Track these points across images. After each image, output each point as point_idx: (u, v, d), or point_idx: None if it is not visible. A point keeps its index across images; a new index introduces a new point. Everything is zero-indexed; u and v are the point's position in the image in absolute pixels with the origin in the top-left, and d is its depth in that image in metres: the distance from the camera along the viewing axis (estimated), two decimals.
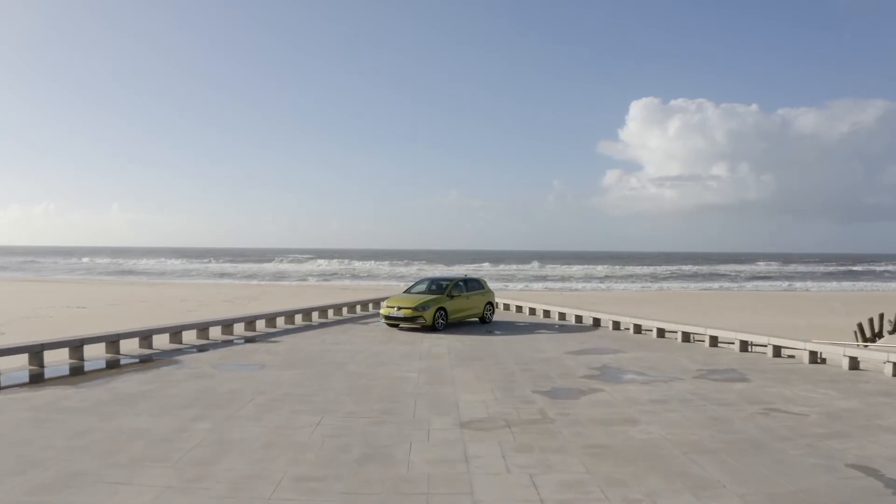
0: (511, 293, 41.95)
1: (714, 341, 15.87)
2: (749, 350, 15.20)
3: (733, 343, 15.39)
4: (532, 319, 22.07)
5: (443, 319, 18.51)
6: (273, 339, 16.66)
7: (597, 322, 20.04)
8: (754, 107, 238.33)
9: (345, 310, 22.83)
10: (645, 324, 18.16)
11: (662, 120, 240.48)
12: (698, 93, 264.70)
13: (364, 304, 24.11)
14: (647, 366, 13.02)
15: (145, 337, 14.99)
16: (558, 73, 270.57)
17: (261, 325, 18.59)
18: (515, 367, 12.65)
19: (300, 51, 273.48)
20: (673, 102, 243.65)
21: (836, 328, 24.10)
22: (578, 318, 20.81)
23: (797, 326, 23.54)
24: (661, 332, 17.45)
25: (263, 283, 59.41)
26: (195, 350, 14.78)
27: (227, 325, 17.29)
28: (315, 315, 21.09)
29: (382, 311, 18.99)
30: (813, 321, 27.50)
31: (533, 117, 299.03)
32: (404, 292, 20.34)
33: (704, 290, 55.43)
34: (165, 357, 13.84)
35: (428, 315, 18.10)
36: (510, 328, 19.40)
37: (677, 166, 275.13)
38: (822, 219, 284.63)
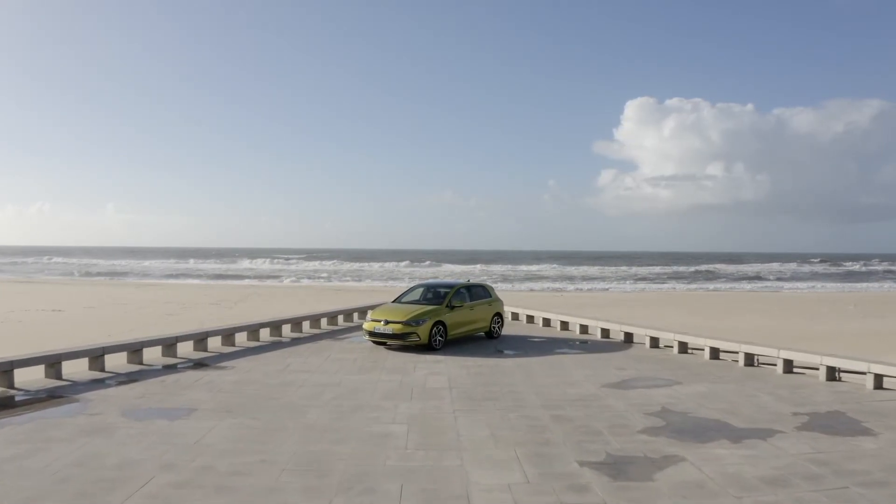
0: (513, 295, 38.64)
1: (788, 366, 12.43)
2: (837, 378, 11.76)
3: (817, 369, 11.92)
4: (547, 332, 18.54)
5: (441, 336, 14.93)
6: (225, 362, 13.14)
7: (629, 337, 16.49)
8: (750, 106, 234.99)
9: (324, 321, 19.26)
10: (692, 342, 14.62)
11: (658, 120, 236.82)
12: (694, 92, 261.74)
13: (348, 314, 20.48)
14: (724, 408, 9.52)
15: (52, 364, 11.42)
16: (554, 72, 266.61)
17: (215, 342, 15.07)
18: (544, 414, 9.12)
19: (298, 51, 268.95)
20: (668, 102, 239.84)
21: (866, 333, 21.52)
22: (605, 332, 17.26)
23: (840, 333, 20.16)
24: (714, 353, 13.98)
25: (254, 283, 56.12)
26: (117, 382, 11.26)
27: (168, 345, 13.72)
28: (287, 328, 17.56)
29: (366, 325, 15.37)
30: (833, 326, 24.40)
31: (528, 117, 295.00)
32: (394, 301, 16.76)
33: (704, 291, 52.29)
34: (72, 392, 10.35)
35: (422, 331, 14.52)
36: (523, 346, 15.88)
37: (673, 166, 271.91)
38: (819, 219, 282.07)
